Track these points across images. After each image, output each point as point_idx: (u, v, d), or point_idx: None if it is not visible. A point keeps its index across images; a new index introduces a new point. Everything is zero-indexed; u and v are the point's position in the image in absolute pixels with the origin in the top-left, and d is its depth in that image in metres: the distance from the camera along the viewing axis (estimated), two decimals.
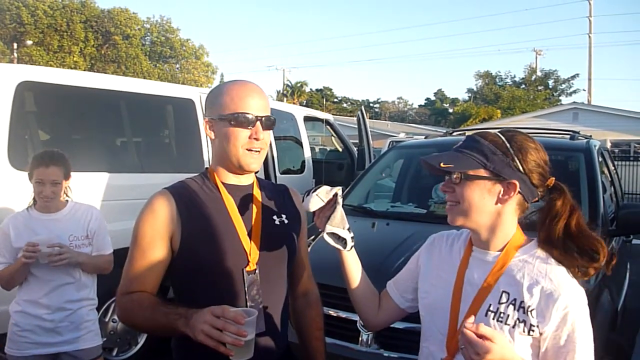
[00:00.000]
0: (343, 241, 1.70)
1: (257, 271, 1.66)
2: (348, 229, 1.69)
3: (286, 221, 1.79)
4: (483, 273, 1.50)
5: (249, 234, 1.68)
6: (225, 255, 1.63)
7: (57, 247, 2.70)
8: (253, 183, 1.77)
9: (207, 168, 1.79)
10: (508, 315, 1.43)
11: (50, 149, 2.92)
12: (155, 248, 1.61)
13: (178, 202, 1.63)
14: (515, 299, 1.43)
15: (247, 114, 1.63)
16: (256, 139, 1.65)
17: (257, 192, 1.77)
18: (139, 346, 4.45)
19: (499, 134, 1.51)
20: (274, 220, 1.76)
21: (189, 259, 1.62)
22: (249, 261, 1.65)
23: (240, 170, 1.69)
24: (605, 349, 2.96)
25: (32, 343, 2.78)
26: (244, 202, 1.72)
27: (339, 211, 1.67)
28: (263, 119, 1.65)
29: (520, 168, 1.46)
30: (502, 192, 1.47)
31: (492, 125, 24.06)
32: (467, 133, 6.97)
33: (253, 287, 1.65)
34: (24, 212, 2.89)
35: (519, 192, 1.47)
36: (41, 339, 2.79)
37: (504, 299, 1.45)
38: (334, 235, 1.68)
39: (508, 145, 1.48)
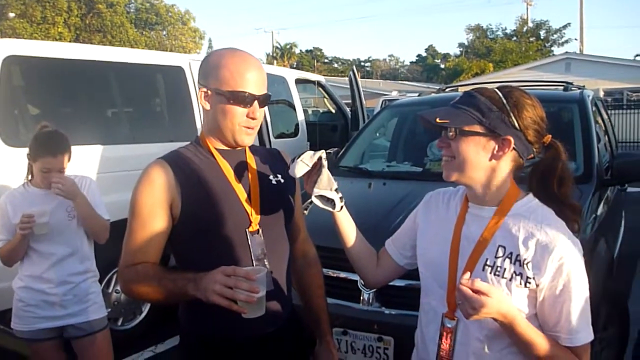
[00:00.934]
0: (332, 202, 1.71)
1: (260, 231, 1.68)
2: (336, 190, 1.71)
3: (282, 180, 1.81)
4: (479, 228, 1.52)
5: (248, 196, 1.70)
6: (227, 218, 1.64)
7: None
8: (245, 148, 1.78)
9: (197, 136, 1.79)
10: (505, 269, 1.45)
11: (49, 129, 2.84)
12: (156, 217, 1.61)
13: (175, 170, 1.64)
14: (511, 253, 1.45)
15: (246, 92, 1.61)
16: (252, 118, 1.65)
17: (250, 156, 1.78)
18: (143, 315, 4.52)
19: (496, 89, 1.51)
20: (271, 180, 1.78)
21: (191, 224, 1.63)
22: (251, 222, 1.67)
23: (234, 144, 1.70)
24: (603, 296, 3.01)
25: (38, 317, 2.80)
26: (239, 165, 1.73)
27: (325, 173, 1.68)
28: (261, 97, 1.65)
29: (516, 124, 1.46)
30: (496, 149, 1.47)
31: (485, 80, 23.93)
32: (460, 89, 6.92)
33: (258, 247, 1.67)
34: (20, 188, 2.87)
35: (513, 148, 1.47)
36: (46, 312, 2.81)
37: (500, 253, 1.47)
38: (322, 197, 1.69)
39: (504, 101, 1.47)
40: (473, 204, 1.57)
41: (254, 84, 1.63)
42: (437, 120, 1.48)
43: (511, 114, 1.46)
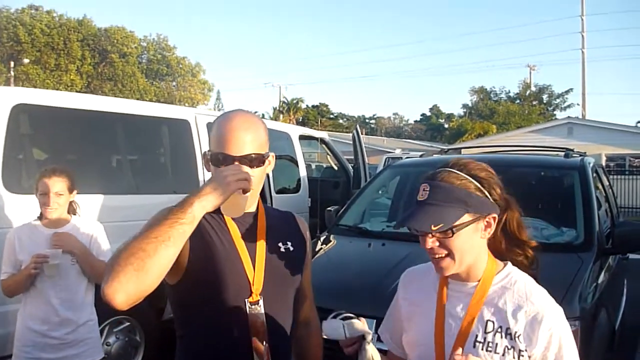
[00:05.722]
0: None
1: (260, 302, 1.63)
2: None
3: (292, 248, 1.75)
4: (464, 305, 1.49)
5: (253, 262, 1.64)
6: (228, 284, 1.59)
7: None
8: (258, 210, 1.74)
9: None
10: (497, 344, 1.43)
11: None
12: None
13: None
14: (501, 327, 1.44)
15: (222, 154, 1.56)
16: None
17: (262, 219, 1.73)
18: None
19: (457, 172, 1.48)
20: (279, 247, 1.72)
21: (192, 284, 1.58)
22: (251, 292, 1.62)
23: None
24: None
25: (35, 358, 2.82)
26: (249, 230, 1.68)
27: (370, 351, 1.46)
28: (239, 158, 1.56)
29: (491, 199, 1.48)
30: (483, 228, 1.48)
31: (488, 141, 24.17)
32: (463, 151, 6.89)
33: (256, 318, 1.62)
34: (29, 224, 2.96)
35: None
36: (45, 354, 2.83)
37: (489, 328, 1.45)
38: None
39: (476, 182, 1.47)
40: (453, 280, 1.54)
41: (233, 145, 1.56)
42: (433, 227, 1.42)
43: (486, 192, 1.47)
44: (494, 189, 1.49)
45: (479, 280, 1.50)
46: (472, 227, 1.46)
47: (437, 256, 1.47)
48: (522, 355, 1.41)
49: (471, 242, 1.47)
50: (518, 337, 1.41)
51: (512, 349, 1.41)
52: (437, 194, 1.46)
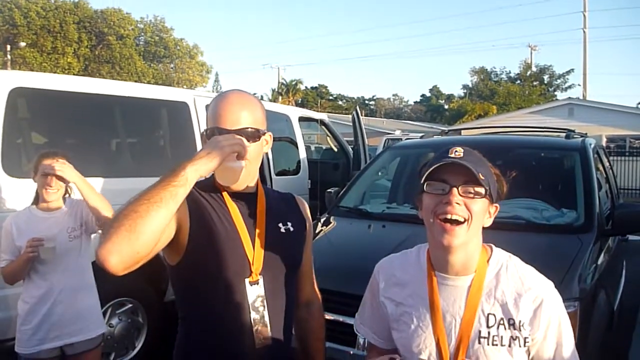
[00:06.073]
0: None
1: (260, 282, 1.63)
2: None
3: (292, 229, 1.75)
4: (461, 300, 1.45)
5: (253, 242, 1.64)
6: (228, 264, 1.59)
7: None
8: (257, 191, 1.74)
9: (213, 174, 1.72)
10: (502, 337, 1.41)
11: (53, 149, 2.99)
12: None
13: (188, 197, 1.45)
14: (502, 319, 1.42)
15: (218, 128, 1.58)
16: None
17: (261, 200, 1.73)
18: (136, 350, 4.44)
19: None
20: (280, 227, 1.73)
21: (194, 265, 1.59)
22: (251, 272, 1.63)
23: (222, 188, 1.64)
24: (602, 350, 2.96)
25: (40, 339, 2.86)
26: (249, 209, 1.69)
27: None
28: (239, 132, 1.56)
29: (499, 193, 1.49)
30: (489, 214, 1.47)
31: (488, 122, 24.10)
32: (464, 132, 6.90)
33: (256, 297, 1.63)
34: (25, 211, 2.98)
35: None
36: (48, 333, 2.86)
37: (492, 322, 1.42)
38: None
39: (493, 171, 1.49)
40: (443, 274, 1.48)
41: (229, 120, 1.58)
42: (481, 177, 1.39)
43: (498, 184, 1.49)
44: (502, 187, 1.49)
45: (474, 271, 1.45)
46: (487, 204, 1.44)
47: (454, 217, 1.38)
48: (527, 342, 1.41)
49: (482, 219, 1.44)
50: (522, 325, 1.40)
51: (517, 339, 1.40)
52: (472, 157, 1.43)
